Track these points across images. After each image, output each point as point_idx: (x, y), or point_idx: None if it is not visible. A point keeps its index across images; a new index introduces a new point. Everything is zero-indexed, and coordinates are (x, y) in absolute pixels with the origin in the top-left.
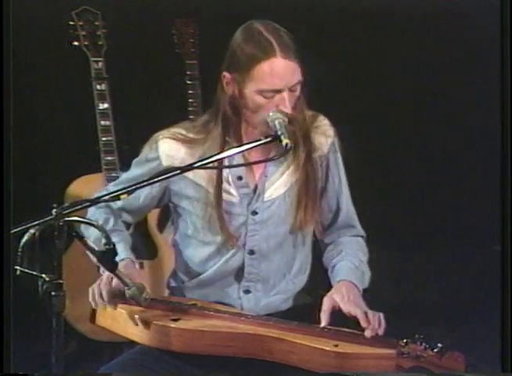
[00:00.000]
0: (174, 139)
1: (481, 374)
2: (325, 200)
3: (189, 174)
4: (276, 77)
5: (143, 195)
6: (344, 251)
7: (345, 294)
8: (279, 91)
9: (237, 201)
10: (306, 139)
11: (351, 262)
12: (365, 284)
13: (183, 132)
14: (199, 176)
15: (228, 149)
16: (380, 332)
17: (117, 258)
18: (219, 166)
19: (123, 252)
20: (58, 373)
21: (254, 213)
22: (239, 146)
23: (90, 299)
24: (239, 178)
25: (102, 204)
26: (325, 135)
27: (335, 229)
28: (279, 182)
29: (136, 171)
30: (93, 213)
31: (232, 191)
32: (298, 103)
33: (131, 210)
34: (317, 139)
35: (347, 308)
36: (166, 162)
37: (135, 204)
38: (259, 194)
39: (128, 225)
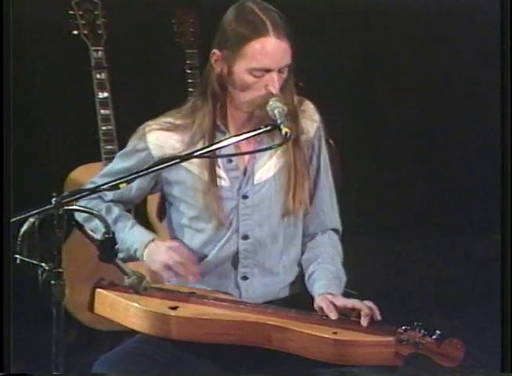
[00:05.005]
0: (161, 129)
1: (481, 374)
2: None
3: None
4: (267, 56)
5: (135, 186)
6: (320, 256)
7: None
8: (268, 70)
9: (228, 185)
10: (294, 122)
11: (329, 272)
12: (342, 289)
13: (171, 120)
14: (190, 162)
15: (226, 139)
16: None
17: (148, 238)
18: (212, 155)
19: (148, 233)
20: (58, 366)
21: (245, 197)
22: (237, 135)
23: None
24: (229, 160)
25: (94, 196)
26: (311, 120)
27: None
28: (268, 165)
29: (124, 163)
30: (93, 205)
31: (223, 174)
32: (286, 85)
33: (123, 201)
34: (304, 122)
35: (340, 302)
36: (155, 151)
37: (128, 196)
38: (249, 177)
39: None
